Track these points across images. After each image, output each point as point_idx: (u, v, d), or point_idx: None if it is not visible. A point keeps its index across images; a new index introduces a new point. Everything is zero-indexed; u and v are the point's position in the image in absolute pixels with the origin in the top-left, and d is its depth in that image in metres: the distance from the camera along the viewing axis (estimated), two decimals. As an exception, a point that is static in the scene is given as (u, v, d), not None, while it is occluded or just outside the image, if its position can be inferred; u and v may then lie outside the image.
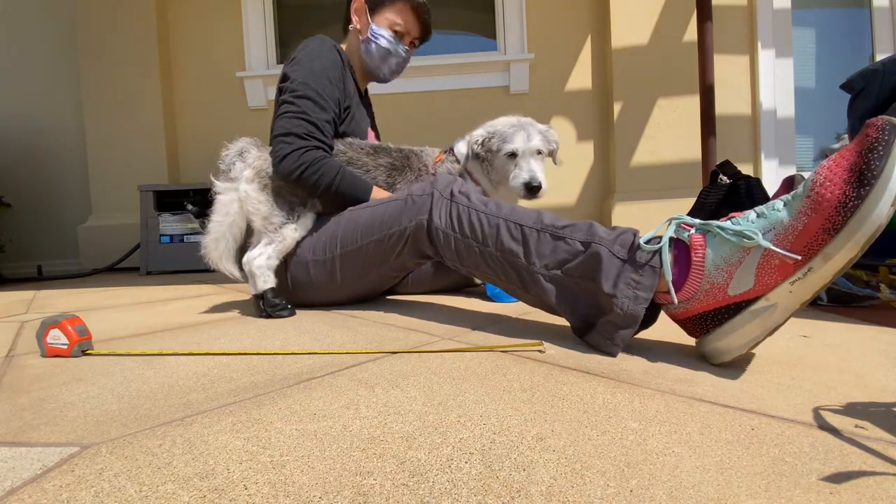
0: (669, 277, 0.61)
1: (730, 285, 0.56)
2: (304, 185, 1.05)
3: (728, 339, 0.58)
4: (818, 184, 0.51)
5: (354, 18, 1.23)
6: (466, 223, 0.83)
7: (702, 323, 0.61)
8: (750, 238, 0.54)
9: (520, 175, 1.13)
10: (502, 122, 1.19)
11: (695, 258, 0.59)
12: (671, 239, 0.63)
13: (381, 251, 0.99)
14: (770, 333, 0.56)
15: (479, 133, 1.17)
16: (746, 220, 0.58)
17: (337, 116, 1.14)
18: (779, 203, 0.56)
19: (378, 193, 1.10)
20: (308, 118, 1.06)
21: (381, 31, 1.19)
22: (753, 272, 0.55)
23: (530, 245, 0.75)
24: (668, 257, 0.62)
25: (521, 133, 1.14)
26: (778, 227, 0.54)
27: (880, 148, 0.47)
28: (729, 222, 0.59)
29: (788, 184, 1.07)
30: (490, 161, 1.16)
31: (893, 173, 0.45)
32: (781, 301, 0.54)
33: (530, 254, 0.75)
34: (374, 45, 1.20)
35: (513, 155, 1.14)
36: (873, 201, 0.46)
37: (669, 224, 0.65)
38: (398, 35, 1.20)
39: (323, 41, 1.16)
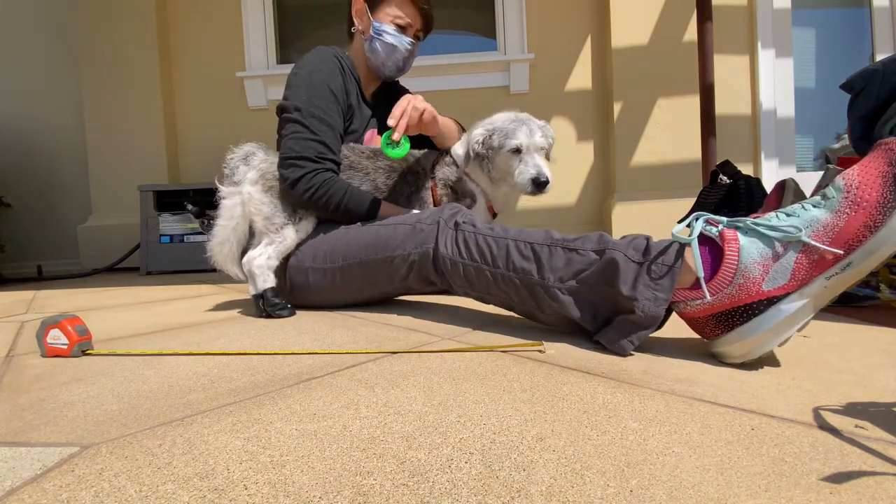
0: (701, 273, 0.60)
1: (766, 280, 0.56)
2: (314, 206, 1.06)
3: (758, 336, 0.57)
4: (855, 186, 0.53)
5: (356, 20, 1.23)
6: (474, 248, 0.83)
7: (726, 320, 0.59)
8: (792, 233, 0.55)
9: (526, 171, 1.10)
10: (501, 118, 1.17)
11: (728, 252, 0.59)
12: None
13: (385, 272, 0.98)
14: (800, 329, 0.56)
15: (478, 132, 1.15)
16: (776, 220, 0.58)
17: (343, 127, 1.14)
18: (807, 204, 0.57)
19: (387, 208, 1.10)
20: (317, 139, 1.05)
21: (384, 26, 1.18)
22: (791, 267, 0.55)
23: (542, 260, 0.74)
24: (698, 252, 0.61)
25: (523, 128, 1.12)
26: (815, 224, 0.55)
27: None
28: (761, 219, 0.59)
29: (780, 188, 1.08)
30: (491, 158, 1.14)
31: None
32: (815, 296, 0.54)
33: (543, 269, 0.74)
34: (378, 42, 1.19)
35: (516, 151, 1.12)
36: None
37: (696, 220, 0.64)
38: (401, 28, 1.20)
39: (320, 52, 1.16)
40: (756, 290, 0.57)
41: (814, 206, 0.56)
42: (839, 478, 0.35)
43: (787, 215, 0.58)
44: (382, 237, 0.98)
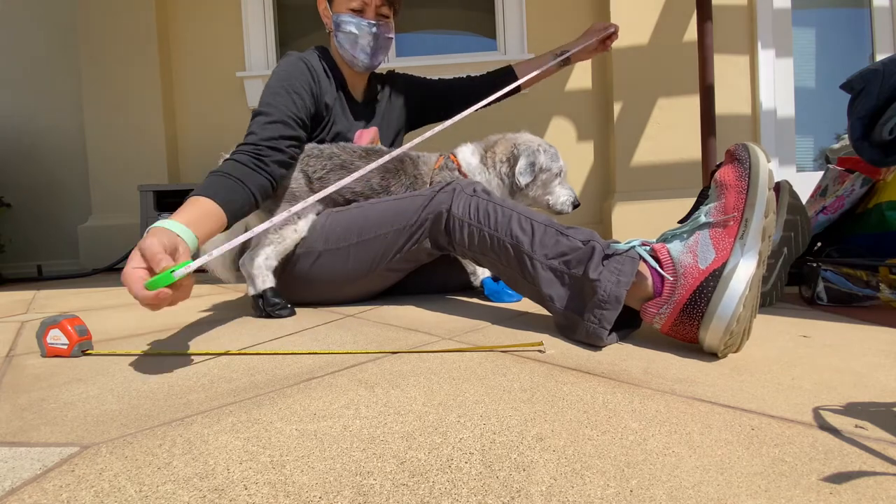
0: (653, 262, 0.71)
1: (698, 261, 0.67)
2: None
3: (722, 306, 0.63)
4: (719, 178, 0.72)
5: (324, 20, 1.21)
6: (483, 212, 0.90)
7: (694, 307, 0.66)
8: (695, 220, 0.71)
9: (567, 194, 1.23)
10: (535, 140, 1.22)
11: (662, 257, 0.71)
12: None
13: (399, 241, 1.02)
14: (759, 290, 0.65)
15: (542, 151, 1.19)
16: (685, 224, 0.73)
17: (294, 113, 1.07)
18: (702, 206, 0.73)
19: (194, 203, 0.82)
20: (249, 131, 1.02)
21: (341, 16, 1.15)
22: (710, 244, 0.68)
23: (536, 235, 0.83)
24: (643, 251, 0.73)
25: (558, 153, 1.23)
26: (710, 210, 0.71)
27: (740, 148, 0.70)
28: (675, 227, 0.75)
29: (775, 190, 1.09)
30: (535, 177, 1.20)
31: (757, 150, 0.69)
32: (742, 256, 0.65)
33: (534, 242, 0.82)
34: (340, 35, 1.16)
35: (558, 174, 1.22)
36: (755, 164, 0.67)
37: (630, 243, 0.76)
38: (358, 12, 1.15)
39: (287, 57, 1.15)
40: (697, 271, 0.67)
41: (705, 205, 0.73)
42: (839, 478, 0.35)
43: (693, 218, 0.73)
44: (401, 207, 1.02)
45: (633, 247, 0.74)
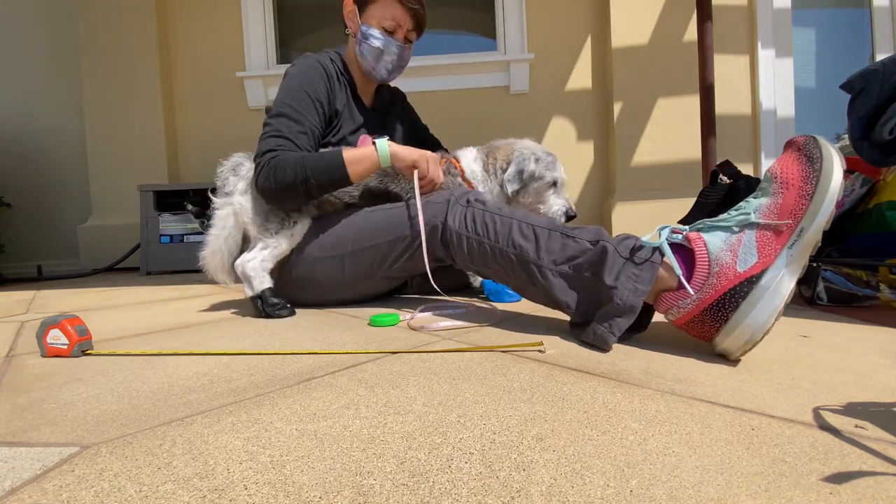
0: (679, 270, 0.65)
1: (737, 262, 0.61)
2: (281, 192, 1.00)
3: (752, 316, 0.60)
4: (779, 172, 0.63)
5: (348, 23, 1.21)
6: (480, 223, 0.87)
7: (718, 311, 0.62)
8: (744, 214, 0.63)
9: (560, 203, 1.20)
10: (535, 147, 1.20)
11: (696, 248, 0.64)
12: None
13: (394, 252, 1.00)
14: (786, 303, 0.60)
15: (534, 159, 1.17)
16: (728, 215, 0.65)
17: (319, 126, 1.11)
18: (750, 199, 0.64)
19: (350, 152, 1.01)
20: (279, 134, 1.03)
21: (371, 30, 1.15)
22: (754, 247, 0.61)
23: (540, 242, 0.79)
24: (669, 251, 0.66)
25: (558, 163, 1.20)
26: (760, 208, 0.63)
27: (811, 143, 0.62)
28: (717, 218, 0.66)
29: None
30: (527, 184, 1.17)
31: (831, 151, 0.60)
32: (787, 267, 0.60)
33: (540, 249, 0.79)
34: (366, 46, 1.17)
35: (553, 183, 1.19)
36: (828, 169, 0.59)
37: (661, 231, 0.70)
38: (389, 31, 1.16)
39: (305, 58, 1.16)
40: (733, 273, 0.61)
41: (755, 198, 0.64)
42: (839, 478, 0.35)
43: (737, 210, 0.64)
44: (394, 218, 1.01)
45: (659, 246, 0.68)
